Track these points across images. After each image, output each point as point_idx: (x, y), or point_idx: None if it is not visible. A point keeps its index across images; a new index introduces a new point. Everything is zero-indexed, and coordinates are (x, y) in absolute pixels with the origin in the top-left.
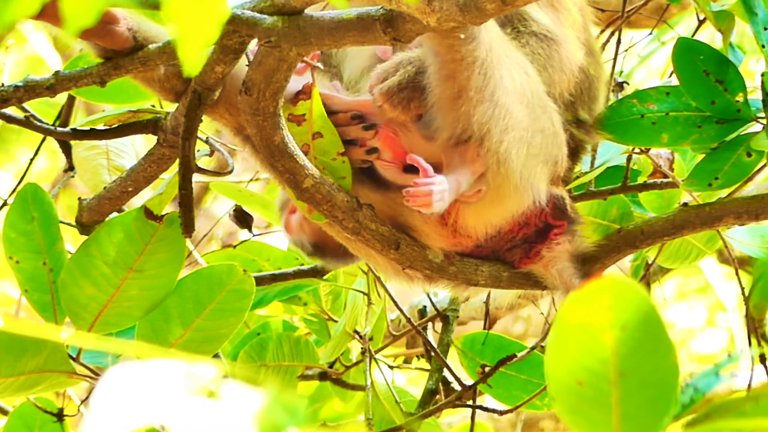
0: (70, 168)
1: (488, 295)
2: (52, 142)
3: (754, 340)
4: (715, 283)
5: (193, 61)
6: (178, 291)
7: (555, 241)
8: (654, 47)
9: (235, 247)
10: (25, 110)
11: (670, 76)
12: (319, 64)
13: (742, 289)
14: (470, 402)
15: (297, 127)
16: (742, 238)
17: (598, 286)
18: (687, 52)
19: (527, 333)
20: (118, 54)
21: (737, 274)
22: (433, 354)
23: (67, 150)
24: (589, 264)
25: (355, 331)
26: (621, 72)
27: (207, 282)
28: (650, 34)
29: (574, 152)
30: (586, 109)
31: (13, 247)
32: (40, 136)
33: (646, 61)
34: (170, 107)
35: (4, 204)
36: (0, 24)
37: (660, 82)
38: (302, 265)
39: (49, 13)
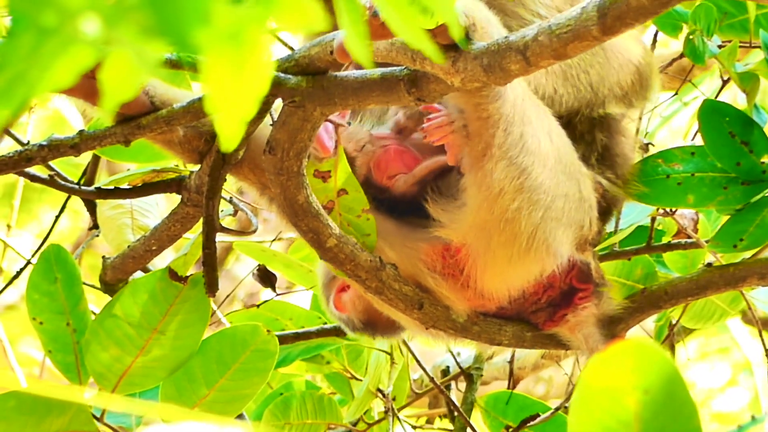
0: (95, 227)
1: (512, 355)
2: (73, 203)
3: None
4: (742, 341)
5: (231, 134)
6: (202, 351)
7: (581, 305)
8: (677, 107)
9: (258, 306)
10: (50, 168)
11: (693, 137)
12: (344, 122)
13: (766, 349)
14: None
15: (322, 184)
16: (765, 298)
17: (621, 348)
18: (713, 114)
19: (549, 394)
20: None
21: (761, 334)
22: (456, 413)
23: (92, 209)
24: (613, 325)
25: (378, 390)
26: (646, 133)
27: (231, 342)
28: (674, 95)
29: (606, 212)
30: (640, 99)
31: (36, 308)
32: (63, 196)
33: (669, 121)
34: (194, 167)
35: (27, 264)
36: (36, 91)
37: (683, 142)
38: (325, 323)
39: (83, 89)
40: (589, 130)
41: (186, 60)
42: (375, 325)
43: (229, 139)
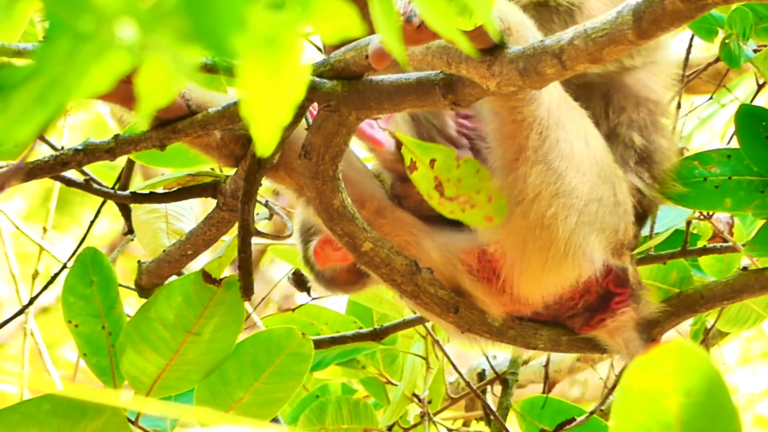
0: (130, 231)
1: (548, 359)
2: (112, 206)
3: None
4: None
5: (267, 139)
6: (236, 354)
7: (618, 309)
8: (713, 110)
9: (294, 310)
10: (84, 173)
11: (729, 141)
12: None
13: None
14: None
15: (414, 174)
16: None
17: (662, 351)
18: (749, 119)
19: (584, 397)
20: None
21: None
22: (492, 417)
23: (126, 213)
24: (650, 328)
25: (414, 394)
26: (681, 136)
27: (266, 345)
28: (710, 98)
29: (642, 217)
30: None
31: (71, 311)
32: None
33: (706, 123)
34: (229, 171)
35: (63, 267)
36: (72, 96)
37: (719, 144)
38: (360, 328)
39: (119, 94)
40: (627, 129)
41: (222, 65)
42: (336, 280)
43: (265, 144)
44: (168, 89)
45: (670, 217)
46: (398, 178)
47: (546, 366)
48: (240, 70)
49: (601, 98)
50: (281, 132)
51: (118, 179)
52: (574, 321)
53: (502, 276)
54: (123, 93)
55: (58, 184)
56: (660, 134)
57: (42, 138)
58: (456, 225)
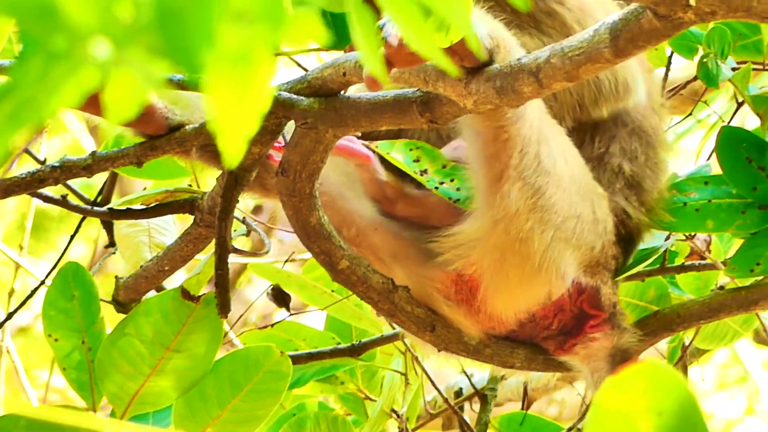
0: (111, 245)
1: (527, 377)
2: (87, 229)
3: None
4: (753, 370)
5: (233, 152)
6: (215, 372)
7: (591, 335)
8: (690, 125)
9: (272, 326)
10: (67, 187)
11: (709, 158)
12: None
13: None
14: None
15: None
16: None
17: (635, 371)
18: (730, 140)
19: (561, 416)
20: (154, 137)
21: None
22: None
23: (108, 227)
24: (624, 358)
25: (393, 410)
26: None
27: (244, 363)
28: (689, 115)
29: (627, 239)
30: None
31: (52, 324)
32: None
33: (682, 139)
34: (207, 187)
35: (41, 284)
36: (44, 114)
37: (695, 162)
38: (339, 344)
39: (92, 104)
40: (616, 158)
41: (191, 80)
42: None
43: (232, 157)
44: (135, 103)
45: (652, 238)
46: (381, 212)
47: (525, 383)
48: (208, 85)
49: (591, 126)
50: (254, 148)
51: (100, 191)
52: (549, 343)
53: (478, 296)
54: (96, 102)
55: (34, 207)
56: (652, 164)
57: (27, 151)
58: (431, 252)
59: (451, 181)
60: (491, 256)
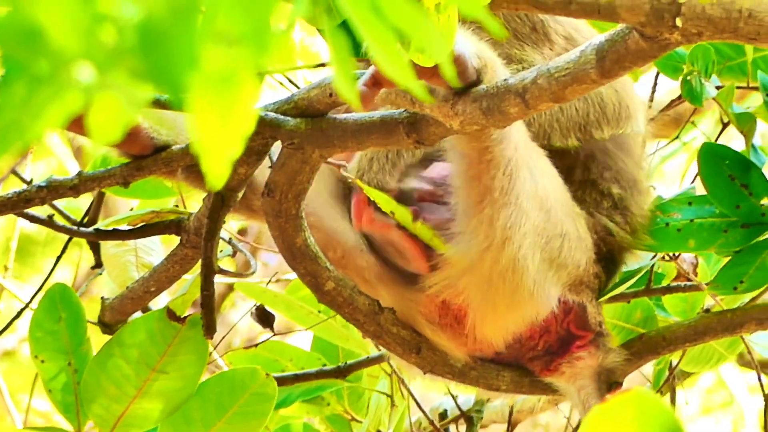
0: (98, 265)
1: (512, 400)
2: (71, 253)
3: None
4: (738, 394)
5: (217, 173)
6: (200, 393)
7: (576, 354)
8: (675, 147)
9: (257, 346)
10: (54, 207)
11: (693, 180)
12: (343, 163)
13: (765, 394)
14: None
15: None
16: (764, 343)
17: (621, 398)
18: (712, 157)
19: None
20: (140, 157)
21: (759, 377)
22: None
23: (95, 247)
24: (611, 372)
25: (378, 431)
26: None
27: (230, 385)
28: (675, 138)
29: (609, 258)
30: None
31: (39, 346)
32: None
33: (667, 161)
34: (193, 208)
35: (26, 307)
36: (29, 136)
37: (680, 185)
38: (325, 365)
39: (77, 125)
40: (608, 182)
41: (176, 101)
42: None
43: (216, 178)
44: (120, 125)
45: (636, 260)
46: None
47: (511, 406)
48: (192, 106)
49: (585, 151)
50: (240, 169)
51: (87, 212)
52: (535, 364)
53: (467, 323)
54: (81, 122)
55: (18, 230)
56: (638, 190)
57: (14, 172)
58: (417, 276)
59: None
60: (479, 283)
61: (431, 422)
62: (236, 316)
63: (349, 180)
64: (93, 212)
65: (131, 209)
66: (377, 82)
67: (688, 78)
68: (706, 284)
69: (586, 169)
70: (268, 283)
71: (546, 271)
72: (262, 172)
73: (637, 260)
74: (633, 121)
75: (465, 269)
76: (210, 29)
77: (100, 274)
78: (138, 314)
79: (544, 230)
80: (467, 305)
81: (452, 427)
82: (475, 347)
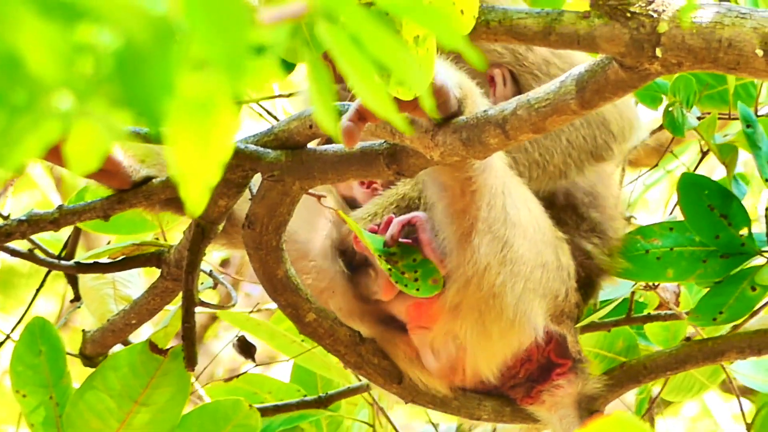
0: (77, 299)
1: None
2: (56, 285)
3: None
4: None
5: (195, 201)
6: (183, 425)
7: (556, 382)
8: (658, 176)
9: (238, 377)
10: (32, 242)
11: (672, 210)
12: (323, 194)
13: (747, 423)
14: None
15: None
16: (746, 371)
17: (602, 423)
18: (692, 187)
19: None
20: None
21: (740, 404)
22: None
23: (73, 281)
24: (592, 400)
25: None
26: (627, 204)
27: (213, 417)
28: (655, 166)
29: (588, 283)
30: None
31: (20, 380)
32: (49, 280)
33: (649, 190)
34: (174, 241)
35: (7, 338)
36: (8, 166)
37: (662, 215)
38: (305, 396)
39: (55, 154)
40: (587, 208)
41: (155, 132)
42: None
43: (194, 207)
44: (98, 154)
45: (616, 287)
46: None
47: None
48: (169, 134)
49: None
50: (221, 201)
51: (65, 246)
52: (516, 391)
53: (459, 365)
54: (59, 152)
55: (0, 262)
56: (612, 216)
57: None
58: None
59: (414, 272)
60: (463, 315)
61: None
62: (219, 346)
63: (332, 211)
64: (71, 245)
65: (108, 242)
66: (362, 116)
67: (670, 109)
68: (686, 314)
69: (569, 194)
70: (250, 313)
71: (531, 301)
72: (242, 205)
73: (614, 284)
74: (636, 132)
75: (448, 302)
76: (185, 55)
77: (79, 307)
78: (119, 347)
79: (527, 259)
80: (462, 349)
81: None
82: (458, 378)
